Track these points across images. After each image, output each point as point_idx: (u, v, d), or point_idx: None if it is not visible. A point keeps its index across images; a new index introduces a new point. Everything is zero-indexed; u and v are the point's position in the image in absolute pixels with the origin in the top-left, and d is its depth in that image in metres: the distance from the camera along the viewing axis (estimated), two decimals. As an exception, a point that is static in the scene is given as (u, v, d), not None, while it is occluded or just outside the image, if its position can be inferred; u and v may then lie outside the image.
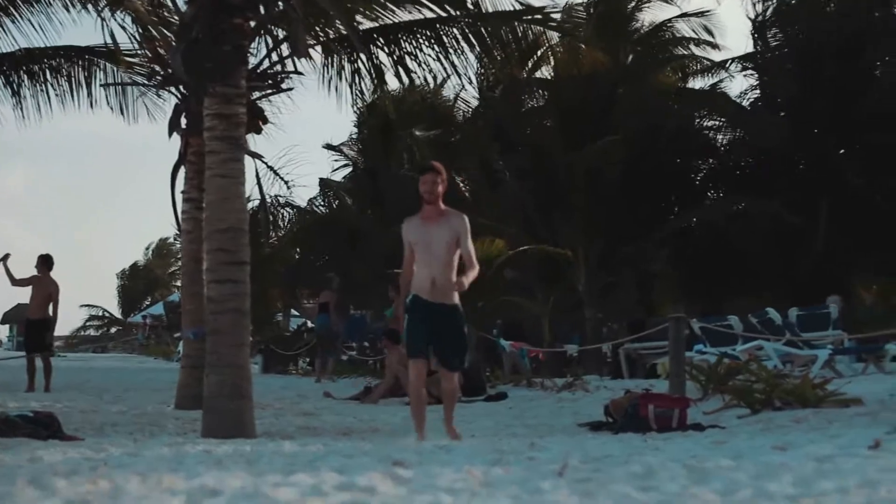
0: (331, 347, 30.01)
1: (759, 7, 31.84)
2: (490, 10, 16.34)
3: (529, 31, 17.43)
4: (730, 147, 33.93)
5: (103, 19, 17.02)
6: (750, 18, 32.08)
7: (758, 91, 33.08)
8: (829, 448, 6.50)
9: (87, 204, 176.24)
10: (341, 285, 31.60)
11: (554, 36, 24.89)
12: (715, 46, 34.60)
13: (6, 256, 21.50)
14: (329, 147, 41.47)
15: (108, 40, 18.01)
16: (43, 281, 21.74)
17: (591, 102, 31.21)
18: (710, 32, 34.23)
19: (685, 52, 35.26)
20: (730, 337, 21.48)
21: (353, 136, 41.55)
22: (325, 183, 41.08)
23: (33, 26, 20.87)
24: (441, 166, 10.81)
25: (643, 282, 34.54)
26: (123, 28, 19.07)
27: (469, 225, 10.67)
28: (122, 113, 21.15)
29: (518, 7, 16.44)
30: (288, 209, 39.79)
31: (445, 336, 10.74)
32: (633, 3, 34.36)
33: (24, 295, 23.38)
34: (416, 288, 10.73)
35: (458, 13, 16.44)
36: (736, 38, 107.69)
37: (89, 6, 19.39)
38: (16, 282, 21.69)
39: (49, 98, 21.02)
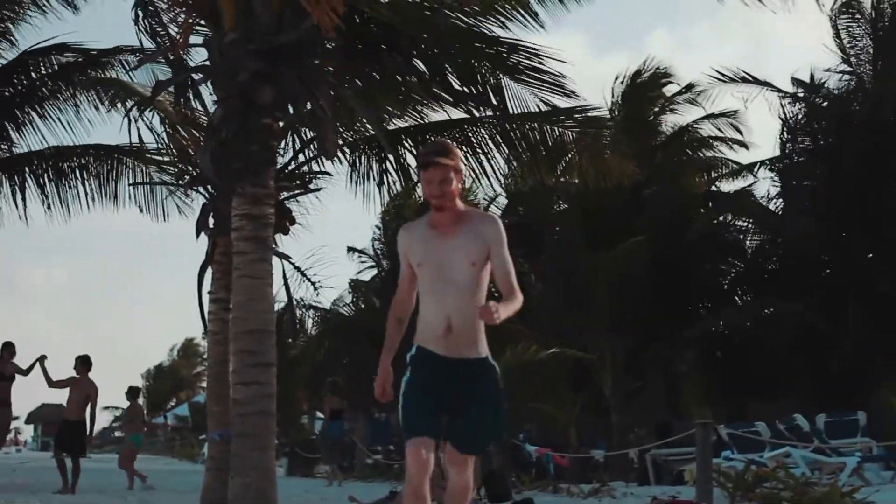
0: (334, 453, 29.79)
1: (788, 110, 31.86)
2: (516, 111, 16.36)
3: (555, 132, 17.39)
4: (757, 249, 33.82)
5: (131, 120, 17.09)
6: (781, 119, 32.09)
7: (785, 193, 33.00)
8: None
9: (112, 301, 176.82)
10: (345, 388, 31.34)
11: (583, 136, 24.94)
12: (742, 145, 34.65)
13: (43, 358, 21.34)
14: (352, 249, 41.53)
15: (137, 140, 18.10)
16: (81, 382, 21.55)
17: (618, 204, 31.18)
18: (738, 130, 34.32)
19: (712, 154, 35.30)
20: (757, 443, 21.25)
21: (379, 237, 41.60)
22: (354, 284, 41.10)
23: (62, 125, 21.11)
24: (452, 148, 7.12)
25: (670, 385, 34.29)
26: (151, 130, 19.21)
27: (504, 232, 7.00)
28: (149, 211, 21.24)
29: (543, 108, 16.46)
30: (314, 310, 39.79)
31: (470, 411, 6.93)
32: (657, 107, 34.48)
33: (50, 395, 23.35)
34: (421, 335, 7.01)
35: (484, 113, 16.45)
36: (763, 137, 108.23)
37: (118, 105, 19.57)
38: (53, 383, 21.49)
39: (78, 196, 21.18)
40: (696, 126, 34.67)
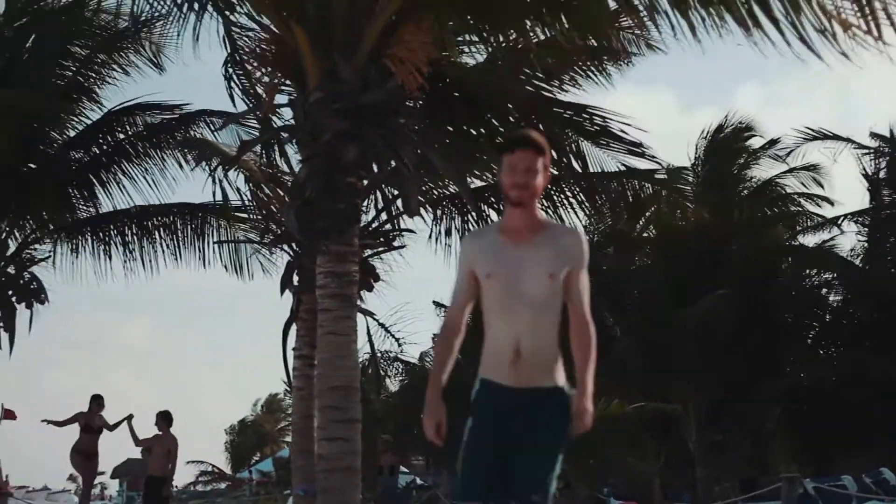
0: None
1: (873, 164, 31.67)
2: (596, 170, 16.43)
3: (636, 188, 17.44)
4: (842, 303, 33.54)
5: (216, 180, 17.33)
6: (863, 174, 31.89)
7: (870, 247, 32.73)
8: None
9: (195, 357, 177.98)
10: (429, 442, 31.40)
11: (661, 193, 24.96)
12: (826, 200, 34.44)
13: (130, 417, 21.58)
14: (438, 304, 41.62)
15: (221, 198, 18.32)
16: (163, 438, 21.77)
17: (701, 258, 31.09)
18: (820, 185, 34.13)
19: (795, 208, 35.10)
20: (844, 497, 21.03)
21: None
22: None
23: (147, 183, 21.40)
24: (544, 141, 6.00)
25: (755, 439, 33.99)
26: (236, 189, 19.44)
27: (588, 251, 6.01)
28: (233, 269, 21.47)
29: (622, 168, 16.53)
30: (398, 365, 39.87)
31: (534, 447, 5.78)
32: (741, 161, 34.38)
33: (135, 450, 23.48)
34: (487, 365, 5.95)
35: (564, 172, 16.52)
36: (847, 191, 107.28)
37: (203, 164, 19.85)
38: (139, 442, 21.75)
39: (163, 253, 21.45)
40: (779, 180, 34.52)
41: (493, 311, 5.90)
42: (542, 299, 5.80)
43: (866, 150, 31.59)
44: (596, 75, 15.80)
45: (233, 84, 15.85)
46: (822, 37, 10.19)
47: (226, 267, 21.47)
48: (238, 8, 14.66)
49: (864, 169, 31.72)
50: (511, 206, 5.90)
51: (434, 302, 41.65)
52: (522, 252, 5.84)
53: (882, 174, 32.11)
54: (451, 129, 15.92)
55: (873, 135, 32.32)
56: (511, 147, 5.91)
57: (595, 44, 14.71)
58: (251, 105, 16.10)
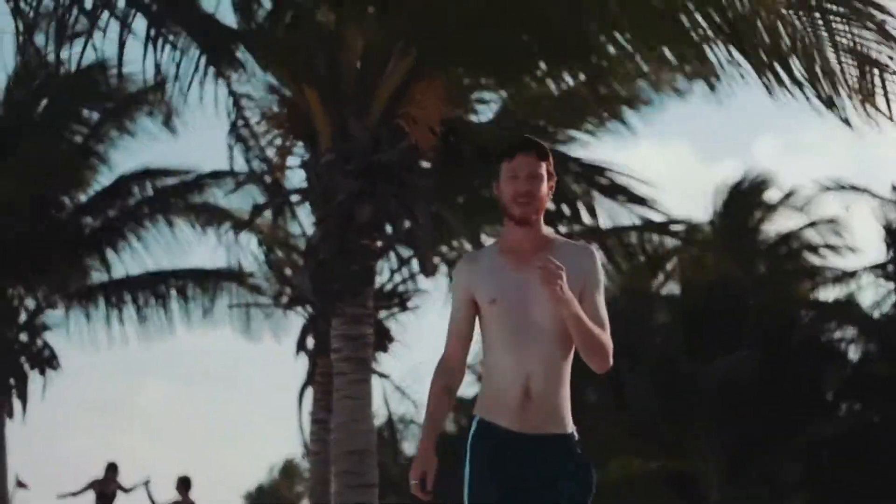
0: None
1: (891, 215, 31.53)
2: (611, 224, 16.38)
3: (653, 240, 17.37)
4: (863, 356, 33.33)
5: (228, 244, 17.26)
6: (883, 227, 31.73)
7: (892, 298, 32.58)
8: None
9: (210, 421, 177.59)
10: None
11: (679, 246, 24.96)
12: (845, 252, 34.30)
13: (147, 482, 21.43)
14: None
15: (234, 263, 18.25)
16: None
17: (720, 312, 30.95)
18: (840, 237, 33.98)
19: (815, 262, 34.99)
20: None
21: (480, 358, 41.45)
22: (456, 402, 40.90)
23: (160, 246, 21.42)
24: (546, 145, 5.12)
25: (777, 494, 33.70)
26: (248, 251, 19.41)
27: (601, 267, 5.10)
28: (246, 331, 21.46)
29: (638, 223, 16.47)
30: (415, 427, 39.65)
31: (560, 491, 4.94)
32: (759, 214, 34.30)
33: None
34: (486, 405, 5.07)
35: (579, 228, 16.43)
36: (868, 243, 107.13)
37: (215, 225, 19.82)
38: None
39: (175, 317, 21.45)
40: (798, 233, 34.43)
41: (498, 343, 4.98)
42: (554, 329, 4.89)
43: (885, 201, 31.44)
44: (611, 127, 15.76)
45: (237, 151, 15.80)
46: (839, 95, 10.24)
47: (238, 329, 21.46)
48: (248, 70, 14.57)
49: (885, 220, 31.58)
50: (515, 224, 4.98)
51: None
52: (529, 274, 4.83)
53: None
54: (465, 185, 15.85)
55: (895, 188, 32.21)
56: (511, 152, 4.99)
57: (608, 91, 14.71)
58: (263, 168, 16.03)
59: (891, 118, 10.22)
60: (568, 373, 5.02)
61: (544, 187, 4.96)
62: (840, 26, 10.25)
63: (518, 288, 4.89)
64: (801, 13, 10.38)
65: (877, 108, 10.29)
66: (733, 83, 11.37)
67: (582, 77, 13.53)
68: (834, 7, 10.28)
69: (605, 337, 4.95)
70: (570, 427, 5.01)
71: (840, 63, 10.28)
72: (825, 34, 10.28)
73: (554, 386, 4.94)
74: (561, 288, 4.65)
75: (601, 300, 5.02)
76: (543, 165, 4.96)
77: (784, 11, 10.41)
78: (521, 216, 4.92)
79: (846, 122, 10.52)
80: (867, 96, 10.23)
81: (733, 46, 11.00)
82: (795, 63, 10.46)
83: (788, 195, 34.08)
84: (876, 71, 10.19)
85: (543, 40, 12.78)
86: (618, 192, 15.84)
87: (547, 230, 5.10)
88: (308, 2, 13.71)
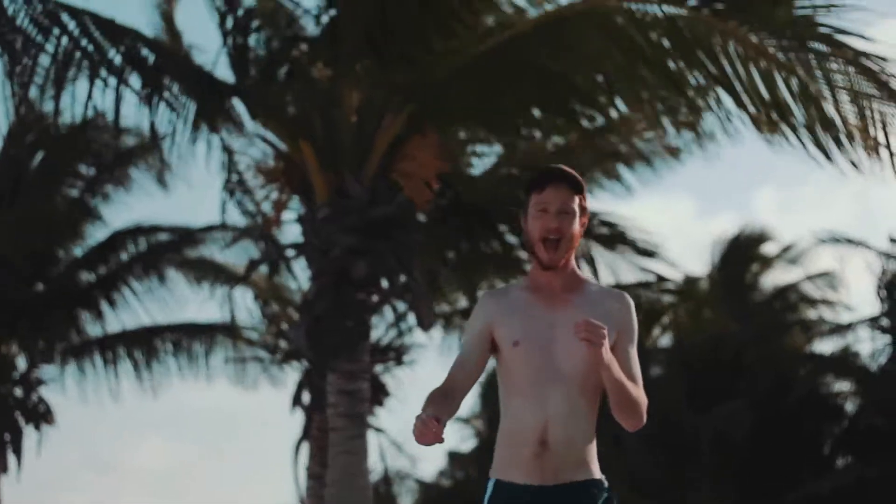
0: None
1: (883, 267, 31.53)
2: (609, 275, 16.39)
3: (650, 295, 17.37)
4: (860, 411, 33.25)
5: (223, 300, 17.25)
6: (878, 278, 31.72)
7: (889, 351, 32.52)
8: None
9: (206, 475, 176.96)
10: None
11: (676, 302, 24.98)
12: (842, 306, 34.31)
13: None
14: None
15: (229, 317, 18.23)
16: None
17: (717, 365, 30.94)
18: (836, 290, 34.00)
19: (811, 315, 35.00)
20: None
21: (478, 413, 41.20)
22: (452, 456, 40.58)
23: (154, 301, 21.40)
24: (581, 178, 4.52)
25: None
26: (243, 306, 19.39)
27: (636, 318, 4.56)
28: (242, 385, 21.44)
29: (638, 274, 16.48)
30: (412, 481, 39.35)
31: None
32: (756, 267, 34.36)
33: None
34: (502, 463, 4.44)
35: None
36: (865, 296, 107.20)
37: (211, 280, 19.79)
38: None
39: (170, 372, 21.41)
40: (794, 286, 34.46)
41: (516, 389, 4.40)
42: (580, 376, 4.34)
43: (881, 253, 31.45)
44: (612, 182, 15.81)
45: (235, 201, 15.77)
46: (837, 145, 10.26)
47: (233, 383, 21.43)
48: (243, 126, 14.57)
49: (880, 273, 31.57)
50: (542, 268, 4.44)
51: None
52: (557, 316, 4.37)
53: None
54: (461, 240, 15.84)
55: (894, 240, 32.22)
56: (541, 182, 4.41)
57: (608, 146, 14.76)
58: (258, 222, 16.01)
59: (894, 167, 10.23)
60: (593, 420, 4.49)
61: (576, 225, 4.43)
62: (839, 76, 10.28)
63: (545, 329, 4.39)
64: (797, 66, 10.42)
65: (878, 155, 10.30)
66: (733, 136, 11.38)
67: (575, 135, 13.56)
68: (832, 57, 10.32)
69: (641, 394, 4.48)
70: (598, 473, 4.51)
71: (840, 113, 10.30)
72: (824, 84, 10.31)
73: (575, 436, 4.39)
74: (605, 349, 4.13)
75: (635, 353, 4.50)
76: (577, 200, 4.41)
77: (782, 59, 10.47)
78: (547, 262, 4.41)
79: (852, 165, 10.54)
80: (869, 147, 10.24)
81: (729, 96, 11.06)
82: (795, 112, 10.48)
83: (786, 249, 34.21)
84: (878, 117, 10.21)
85: (540, 94, 12.84)
86: (618, 241, 15.84)
87: (578, 271, 4.59)
88: (303, 58, 13.76)
